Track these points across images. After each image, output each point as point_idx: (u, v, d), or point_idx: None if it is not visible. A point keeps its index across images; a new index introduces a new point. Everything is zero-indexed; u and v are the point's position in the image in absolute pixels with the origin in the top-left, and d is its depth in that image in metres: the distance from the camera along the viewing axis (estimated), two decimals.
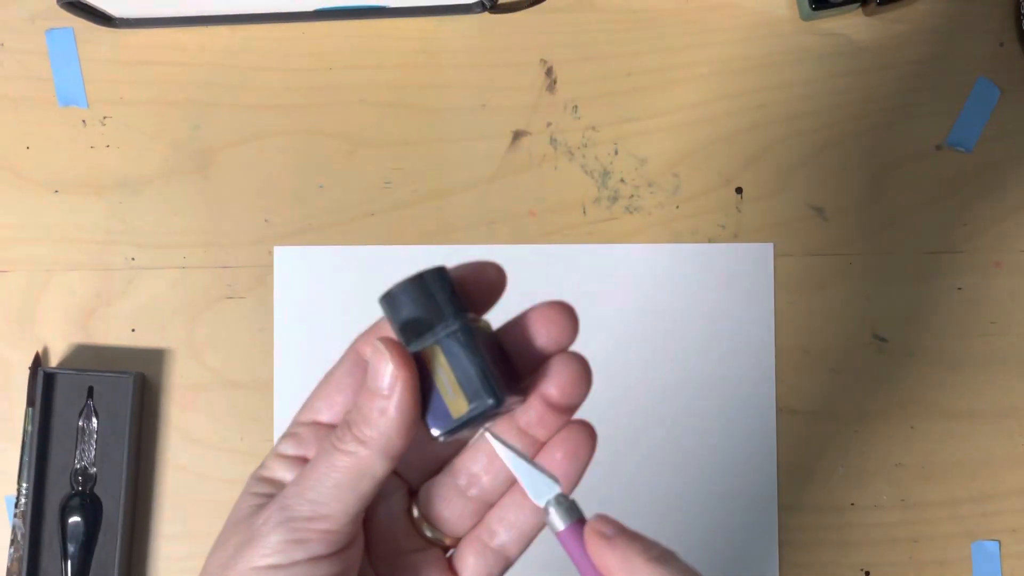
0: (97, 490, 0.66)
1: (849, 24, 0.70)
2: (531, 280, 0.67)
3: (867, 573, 0.68)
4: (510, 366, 0.37)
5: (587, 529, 0.36)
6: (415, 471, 0.40)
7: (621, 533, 0.35)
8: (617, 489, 0.67)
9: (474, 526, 0.40)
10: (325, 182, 0.70)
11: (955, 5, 0.71)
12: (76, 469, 0.66)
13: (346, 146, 0.70)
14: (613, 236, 0.70)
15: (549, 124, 0.70)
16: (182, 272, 0.69)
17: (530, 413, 0.38)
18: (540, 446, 0.38)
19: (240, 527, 0.37)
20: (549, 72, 0.70)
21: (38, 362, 0.68)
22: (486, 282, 0.37)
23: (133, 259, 0.69)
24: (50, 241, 0.69)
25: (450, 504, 0.39)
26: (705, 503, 0.68)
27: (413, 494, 0.40)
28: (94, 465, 0.67)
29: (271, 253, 0.69)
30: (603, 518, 0.36)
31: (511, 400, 0.36)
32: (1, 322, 0.69)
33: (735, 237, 0.69)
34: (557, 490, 0.36)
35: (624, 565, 0.34)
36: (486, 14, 0.70)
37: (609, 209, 0.70)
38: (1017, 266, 0.70)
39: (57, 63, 0.70)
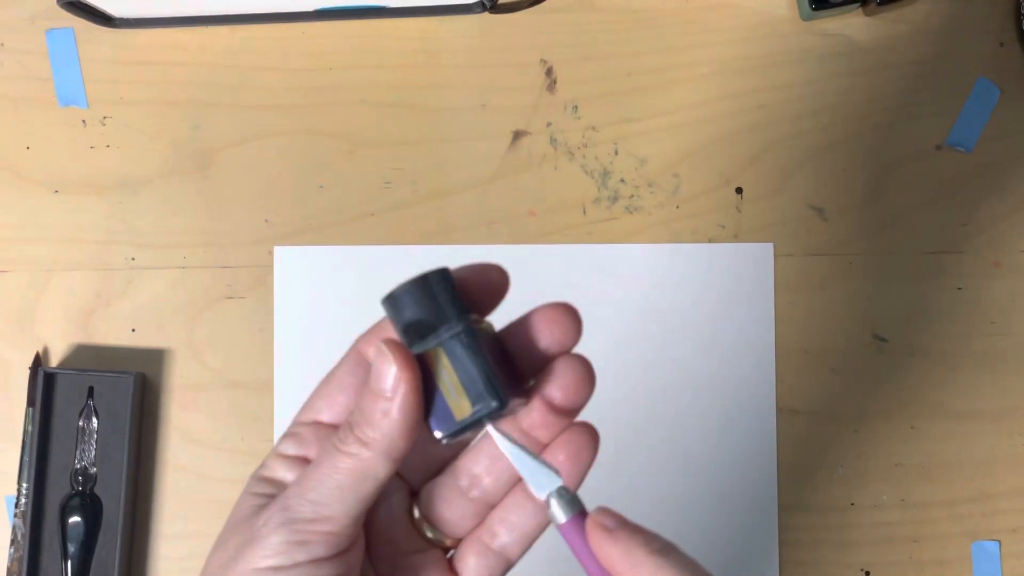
0: (97, 490, 0.66)
1: (849, 24, 0.70)
2: (531, 280, 0.67)
3: (867, 573, 0.68)
4: (513, 368, 0.37)
5: (589, 521, 0.35)
6: (416, 472, 0.40)
7: (623, 525, 0.35)
8: (617, 489, 0.67)
9: (475, 527, 0.40)
10: (325, 182, 0.70)
11: (955, 5, 0.71)
12: (76, 469, 0.66)
13: (346, 146, 0.70)
14: (613, 236, 0.70)
15: (549, 124, 0.70)
16: (182, 272, 0.69)
17: (533, 415, 0.38)
18: (542, 448, 0.38)
19: (241, 528, 0.37)
20: (549, 72, 0.70)
21: (38, 362, 0.68)
22: (488, 284, 0.37)
23: (133, 259, 0.69)
24: (50, 241, 0.69)
25: (451, 505, 0.39)
26: (705, 503, 0.68)
27: (414, 495, 0.40)
28: (94, 465, 0.67)
29: (271, 253, 0.69)
30: (605, 510, 0.36)
31: (514, 402, 0.36)
32: (1, 322, 0.69)
33: (735, 237, 0.69)
34: (559, 483, 0.36)
35: (626, 557, 0.34)
36: (486, 14, 0.70)
37: (609, 209, 0.70)
38: (1017, 266, 0.70)
39: (57, 63, 0.70)
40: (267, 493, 0.38)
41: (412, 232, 0.69)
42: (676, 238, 0.70)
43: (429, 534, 0.39)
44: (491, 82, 0.70)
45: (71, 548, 0.65)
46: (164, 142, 0.70)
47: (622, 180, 0.70)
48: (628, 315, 0.69)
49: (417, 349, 0.36)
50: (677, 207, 0.70)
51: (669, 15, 0.71)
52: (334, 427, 0.38)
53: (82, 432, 0.67)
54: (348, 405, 0.38)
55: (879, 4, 0.69)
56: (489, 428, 0.36)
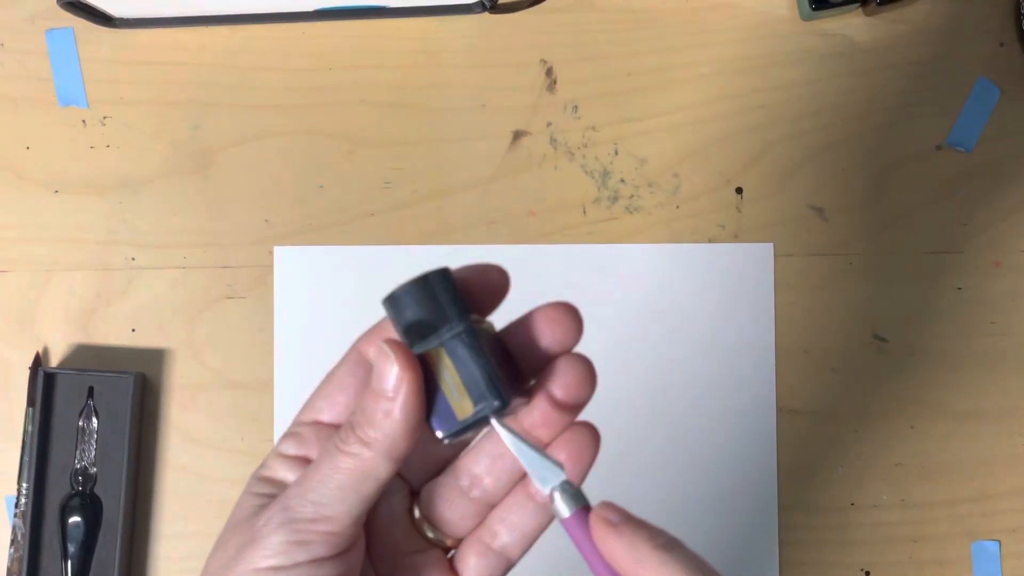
0: (97, 490, 0.66)
1: (849, 24, 0.70)
2: (531, 280, 0.67)
3: (867, 573, 0.68)
4: (514, 367, 0.37)
5: (592, 516, 0.35)
6: (417, 472, 0.40)
7: (627, 520, 0.35)
8: (617, 489, 0.67)
9: (476, 527, 0.40)
10: (325, 182, 0.70)
11: (955, 5, 0.71)
12: (76, 469, 0.66)
13: (346, 146, 0.70)
14: (613, 236, 0.70)
15: (549, 124, 0.70)
16: (182, 272, 0.69)
17: (534, 414, 0.37)
18: (544, 447, 0.38)
19: (241, 528, 0.37)
20: (549, 72, 0.70)
21: (38, 362, 0.68)
22: (489, 284, 0.37)
23: (133, 259, 0.69)
24: (50, 241, 0.69)
25: (452, 505, 0.39)
26: (705, 503, 0.68)
27: (414, 495, 0.40)
28: (94, 465, 0.67)
29: (271, 253, 0.69)
30: (609, 505, 0.35)
31: (516, 401, 0.36)
32: (1, 322, 0.69)
33: (735, 237, 0.69)
34: (562, 477, 0.36)
35: (630, 552, 0.34)
36: (486, 14, 0.70)
37: (609, 209, 0.70)
38: (1017, 266, 0.70)
39: (57, 63, 0.70)
40: (267, 493, 0.37)
41: (412, 232, 0.69)
42: (676, 238, 0.70)
43: (429, 534, 0.39)
44: (491, 82, 0.70)
45: (71, 548, 0.65)
46: (164, 142, 0.70)
47: (622, 180, 0.70)
48: (628, 315, 0.69)
49: (418, 349, 0.36)
50: (677, 207, 0.70)
51: (669, 15, 0.71)
52: (335, 427, 0.38)
53: (82, 432, 0.67)
54: (349, 405, 0.38)
55: (879, 4, 0.69)
56: (493, 422, 0.36)
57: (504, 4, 0.70)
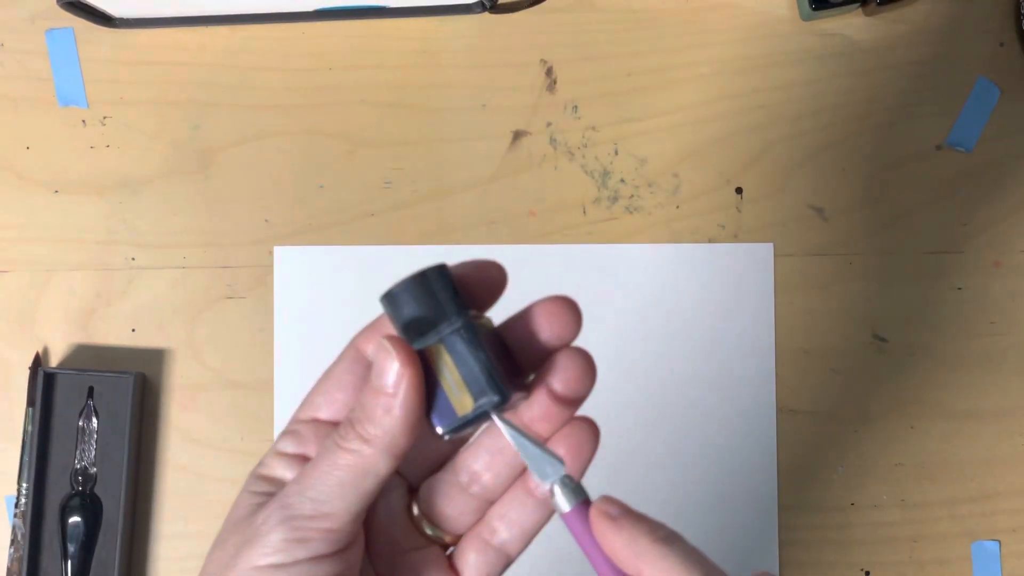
0: (97, 490, 0.66)
1: (849, 24, 0.70)
2: (531, 280, 0.67)
3: (867, 573, 0.68)
4: (513, 362, 0.37)
5: (592, 510, 0.35)
6: (415, 468, 0.40)
7: (627, 514, 0.35)
8: (618, 489, 0.67)
9: (475, 524, 0.40)
10: (325, 182, 0.70)
11: (955, 5, 0.71)
12: (76, 469, 0.66)
13: (346, 146, 0.70)
14: (613, 236, 0.69)
15: (549, 124, 0.70)
16: (182, 272, 0.69)
17: (534, 409, 0.37)
18: (544, 442, 0.38)
19: (240, 526, 0.37)
20: (549, 72, 0.70)
21: (38, 362, 0.68)
22: (487, 280, 0.37)
23: (133, 259, 0.69)
24: (50, 241, 0.69)
25: (451, 502, 0.39)
26: (705, 503, 0.68)
27: (413, 491, 0.40)
28: (94, 465, 0.67)
29: (271, 253, 0.69)
30: (609, 499, 0.35)
31: (516, 396, 0.36)
32: (1, 322, 0.69)
33: (735, 237, 0.69)
34: (563, 471, 0.36)
35: (630, 546, 0.34)
36: (486, 14, 0.70)
37: (609, 209, 0.70)
38: (1017, 266, 0.70)
39: (57, 63, 0.70)
40: (266, 491, 0.37)
41: (412, 232, 0.69)
42: (676, 238, 0.70)
43: (428, 531, 0.39)
44: (491, 82, 0.70)
45: (71, 548, 0.65)
46: (164, 142, 0.70)
47: (622, 180, 0.70)
48: (628, 315, 0.69)
49: (417, 346, 0.36)
50: (677, 207, 0.70)
51: (669, 15, 0.71)
52: (333, 424, 0.38)
53: (82, 432, 0.67)
54: (347, 402, 0.38)
55: (879, 4, 0.69)
56: (494, 417, 0.36)
57: (504, 4, 0.70)
